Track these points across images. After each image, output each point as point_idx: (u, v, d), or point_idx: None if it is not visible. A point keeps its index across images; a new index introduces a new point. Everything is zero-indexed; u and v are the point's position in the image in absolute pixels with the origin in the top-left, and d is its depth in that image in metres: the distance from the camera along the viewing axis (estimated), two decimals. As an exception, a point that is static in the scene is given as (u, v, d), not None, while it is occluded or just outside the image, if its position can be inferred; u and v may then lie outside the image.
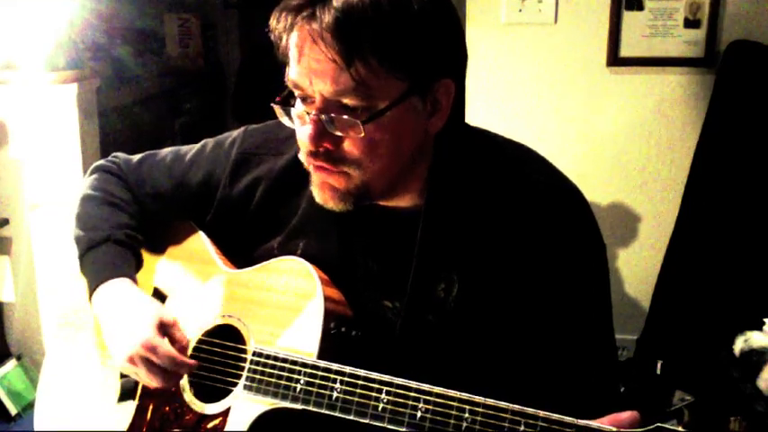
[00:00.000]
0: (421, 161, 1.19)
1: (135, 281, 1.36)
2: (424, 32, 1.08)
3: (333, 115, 1.09)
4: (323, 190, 1.17)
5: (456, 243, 1.20)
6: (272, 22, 1.11)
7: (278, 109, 1.16)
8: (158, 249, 1.46)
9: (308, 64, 1.08)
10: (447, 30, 1.12)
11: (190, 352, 1.33)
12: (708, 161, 3.05)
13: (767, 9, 3.09)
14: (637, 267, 3.35)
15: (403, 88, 1.09)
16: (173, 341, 1.28)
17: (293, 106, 1.15)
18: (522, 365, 1.21)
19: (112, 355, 1.30)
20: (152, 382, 1.27)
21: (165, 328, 1.28)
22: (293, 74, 1.11)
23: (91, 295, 1.35)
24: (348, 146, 1.11)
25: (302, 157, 1.17)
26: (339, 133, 1.10)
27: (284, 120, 1.17)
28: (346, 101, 1.08)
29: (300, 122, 1.14)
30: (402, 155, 1.15)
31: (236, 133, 1.40)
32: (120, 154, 1.50)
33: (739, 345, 2.66)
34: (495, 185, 1.21)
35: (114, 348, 1.29)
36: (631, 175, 3.30)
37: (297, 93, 1.13)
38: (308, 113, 1.11)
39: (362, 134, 1.09)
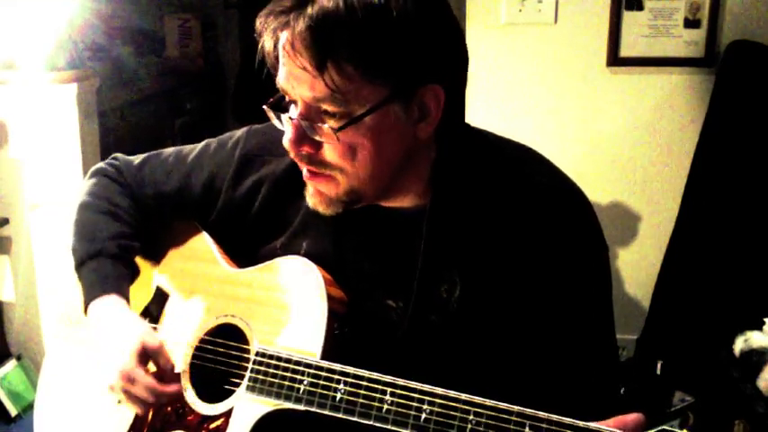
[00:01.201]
0: (418, 163, 1.19)
1: (125, 296, 1.36)
2: (404, 39, 1.07)
3: (311, 121, 1.10)
4: (313, 195, 1.19)
5: (459, 244, 1.20)
6: (258, 26, 1.13)
7: (269, 112, 1.17)
8: (161, 248, 1.45)
9: (289, 70, 1.09)
10: (433, 35, 1.10)
11: (191, 353, 1.33)
12: (708, 161, 3.05)
13: (767, 9, 3.09)
14: (637, 267, 3.35)
15: (383, 94, 1.09)
16: (157, 366, 1.28)
17: (287, 110, 1.16)
18: (525, 366, 1.21)
19: (97, 376, 1.31)
20: (133, 408, 1.29)
21: (147, 354, 1.28)
22: (279, 79, 1.13)
23: (85, 311, 1.36)
24: (328, 151, 1.12)
25: (292, 157, 1.18)
26: (318, 138, 1.11)
27: (275, 122, 1.18)
28: (325, 106, 1.09)
29: (287, 125, 1.15)
30: (388, 160, 1.14)
31: (238, 134, 1.40)
32: (120, 155, 1.50)
33: (739, 345, 2.67)
34: (498, 186, 1.21)
35: (101, 372, 1.30)
36: (631, 175, 3.30)
37: (287, 97, 1.14)
38: (290, 118, 1.12)
39: (338, 140, 1.09)
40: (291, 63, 1.08)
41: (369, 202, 1.21)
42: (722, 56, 3.07)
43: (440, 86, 1.12)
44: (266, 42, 1.12)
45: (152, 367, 1.30)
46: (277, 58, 1.12)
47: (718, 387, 2.73)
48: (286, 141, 1.14)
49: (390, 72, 1.08)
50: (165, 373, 1.29)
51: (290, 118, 1.12)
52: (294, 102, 1.13)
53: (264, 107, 1.17)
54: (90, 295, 1.35)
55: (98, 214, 1.41)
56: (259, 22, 1.12)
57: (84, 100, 2.99)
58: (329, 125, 1.09)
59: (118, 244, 1.38)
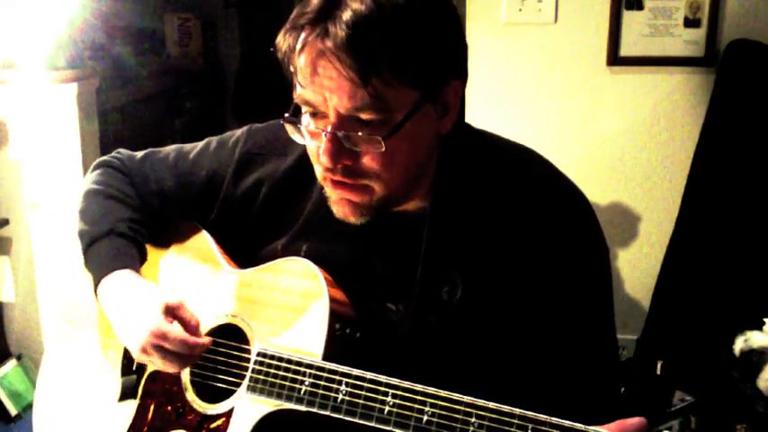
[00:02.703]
0: (429, 164, 1.20)
1: (138, 272, 1.35)
2: (431, 39, 1.08)
3: (349, 132, 1.08)
4: (342, 205, 1.17)
5: (460, 245, 1.20)
6: (279, 40, 1.10)
7: (289, 126, 1.16)
8: (162, 248, 1.45)
9: (322, 82, 1.07)
10: (450, 32, 1.12)
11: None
12: (708, 161, 3.05)
13: (767, 9, 3.09)
14: (637, 267, 3.34)
15: (416, 97, 1.09)
16: (182, 323, 1.28)
17: (300, 122, 1.14)
18: (526, 366, 1.21)
19: (127, 347, 1.30)
20: (169, 368, 1.28)
21: (172, 312, 1.27)
22: (304, 92, 1.10)
23: (96, 289, 1.35)
24: (367, 160, 1.11)
25: (318, 172, 1.16)
26: (357, 149, 1.10)
27: (295, 137, 1.16)
28: (363, 116, 1.07)
29: (311, 137, 1.14)
30: (419, 162, 1.16)
31: (239, 132, 1.40)
32: (122, 150, 1.50)
33: (739, 345, 2.66)
34: (498, 187, 1.21)
35: (126, 340, 1.29)
36: (631, 175, 3.29)
37: (306, 109, 1.12)
38: (322, 131, 1.10)
39: (383, 149, 1.08)
40: (329, 74, 1.06)
41: (391, 209, 1.20)
42: (722, 55, 3.07)
43: (458, 81, 1.13)
44: (290, 57, 1.09)
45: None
46: (299, 71, 1.09)
47: (718, 387, 2.72)
48: (323, 155, 1.10)
49: (421, 74, 1.08)
50: (192, 328, 1.29)
51: (323, 131, 1.10)
52: (318, 113, 1.11)
53: (283, 122, 1.16)
54: (101, 273, 1.33)
55: (106, 199, 1.41)
56: (281, 37, 1.10)
57: (84, 100, 2.99)
58: (370, 134, 1.07)
59: (129, 226, 1.38)
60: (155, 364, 1.29)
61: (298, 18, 1.08)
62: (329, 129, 1.09)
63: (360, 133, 1.08)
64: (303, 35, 1.07)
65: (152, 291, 1.31)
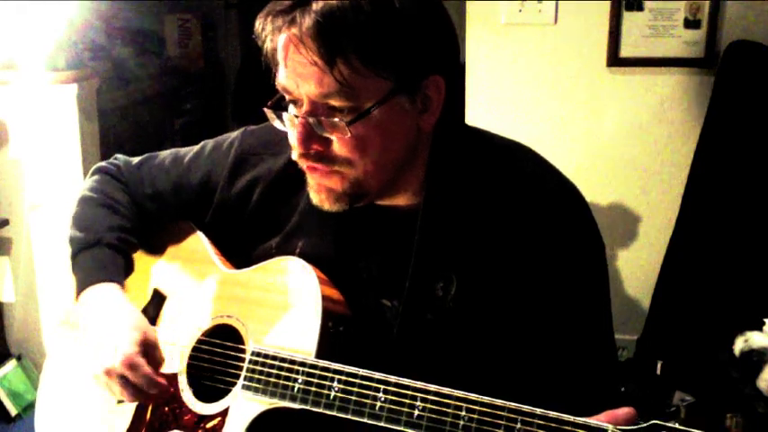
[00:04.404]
0: (417, 159, 1.20)
1: (123, 286, 1.35)
2: (408, 31, 1.09)
3: (319, 117, 1.10)
4: (318, 192, 1.18)
5: (454, 241, 1.20)
6: (257, 27, 1.13)
7: (269, 113, 1.17)
8: (157, 250, 1.46)
9: (293, 68, 1.09)
10: (432, 26, 1.13)
11: (189, 353, 1.33)
12: (708, 161, 3.05)
13: (767, 9, 3.09)
14: (637, 267, 3.34)
15: (388, 87, 1.10)
16: (151, 362, 1.26)
17: (286, 110, 1.16)
18: (521, 364, 1.21)
19: (90, 360, 1.28)
20: (122, 396, 1.26)
21: (146, 347, 1.26)
22: (281, 78, 1.13)
23: (78, 297, 1.35)
24: (337, 146, 1.12)
25: (295, 158, 1.18)
26: (327, 135, 1.12)
27: (276, 123, 1.18)
28: (332, 102, 1.09)
29: (291, 125, 1.15)
30: (394, 153, 1.16)
31: (234, 134, 1.41)
32: (120, 156, 1.51)
33: (739, 345, 2.66)
34: (493, 184, 1.21)
35: (93, 355, 1.27)
36: (631, 175, 3.30)
37: (287, 96, 1.14)
38: (296, 116, 1.12)
39: (348, 135, 1.10)
40: (298, 60, 1.08)
41: (372, 199, 1.21)
42: (722, 57, 3.07)
43: (440, 77, 1.13)
44: (267, 42, 1.12)
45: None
46: (277, 58, 1.12)
47: (718, 387, 2.72)
48: (294, 141, 1.13)
49: (396, 64, 1.09)
50: (158, 369, 1.28)
51: (296, 116, 1.12)
52: (296, 101, 1.13)
53: (265, 110, 1.17)
54: (86, 282, 1.33)
55: (98, 207, 1.41)
56: (259, 23, 1.12)
57: (85, 100, 3.00)
58: (338, 120, 1.09)
59: (117, 236, 1.38)
60: (110, 389, 1.26)
61: (273, 6, 1.10)
62: (300, 114, 1.11)
63: (326, 119, 1.10)
64: (276, 22, 1.10)
65: (134, 316, 1.30)
